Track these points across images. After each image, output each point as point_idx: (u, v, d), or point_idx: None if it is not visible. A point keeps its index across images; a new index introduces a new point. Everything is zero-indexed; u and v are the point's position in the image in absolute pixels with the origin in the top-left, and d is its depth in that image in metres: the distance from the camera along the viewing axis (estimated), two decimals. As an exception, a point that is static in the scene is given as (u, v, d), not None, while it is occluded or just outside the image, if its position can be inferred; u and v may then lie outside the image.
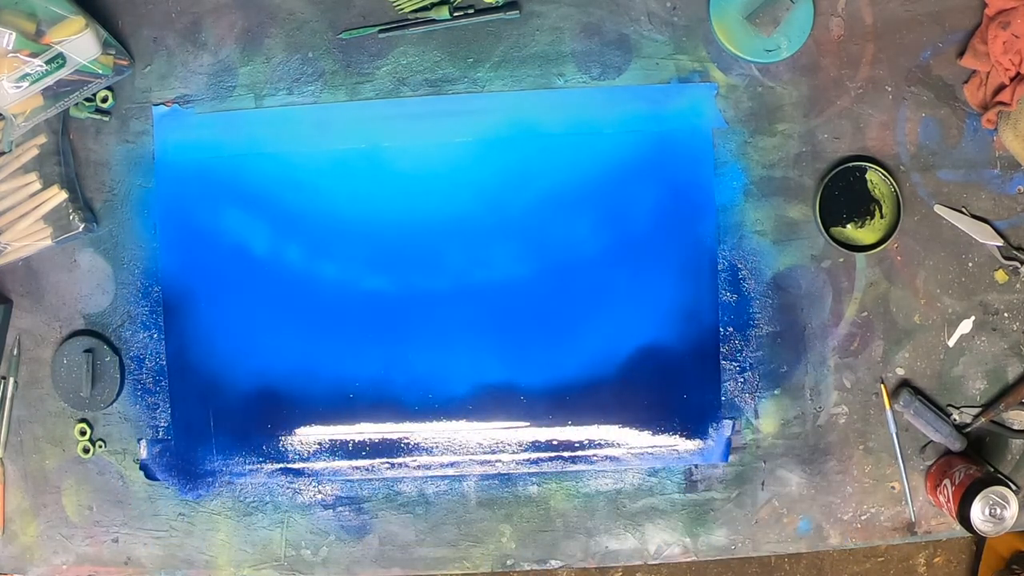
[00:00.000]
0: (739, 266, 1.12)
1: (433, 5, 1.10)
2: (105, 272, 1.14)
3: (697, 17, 1.11)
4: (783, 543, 1.14)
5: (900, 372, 1.12)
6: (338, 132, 1.12)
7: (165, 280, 1.14)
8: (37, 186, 1.10)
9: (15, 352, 1.15)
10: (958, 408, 1.12)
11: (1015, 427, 1.12)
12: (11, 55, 0.98)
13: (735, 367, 1.12)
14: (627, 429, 1.13)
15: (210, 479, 1.15)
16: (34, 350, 1.15)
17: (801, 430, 1.13)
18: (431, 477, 1.14)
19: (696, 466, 1.13)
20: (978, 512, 1.03)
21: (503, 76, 1.12)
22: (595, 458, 1.13)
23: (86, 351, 1.13)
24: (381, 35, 1.11)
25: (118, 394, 1.14)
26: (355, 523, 1.15)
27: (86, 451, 1.15)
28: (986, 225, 1.10)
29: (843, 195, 1.10)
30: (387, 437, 1.14)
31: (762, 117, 1.11)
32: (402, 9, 1.10)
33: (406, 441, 1.14)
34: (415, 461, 1.14)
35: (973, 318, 1.12)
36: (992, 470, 1.09)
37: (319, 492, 1.15)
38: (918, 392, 1.11)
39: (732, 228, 1.11)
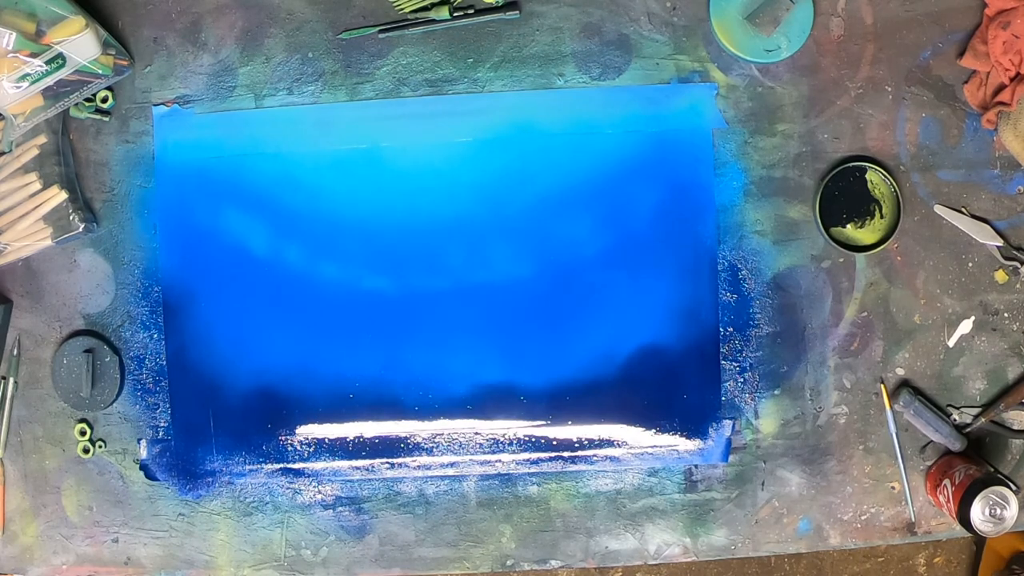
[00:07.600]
0: (739, 266, 1.12)
1: (433, 5, 1.10)
2: (105, 272, 1.14)
3: (697, 17, 1.11)
4: (783, 543, 1.14)
5: (900, 372, 1.12)
6: (338, 132, 1.12)
7: (165, 280, 1.14)
8: (37, 186, 1.10)
9: (15, 352, 1.15)
10: (958, 408, 1.12)
11: (1015, 427, 1.12)
12: (11, 55, 0.98)
13: (735, 367, 1.12)
14: (627, 429, 1.13)
15: (210, 479, 1.15)
16: (34, 350, 1.15)
17: (801, 430, 1.13)
18: (431, 477, 1.14)
19: (696, 466, 1.13)
20: (978, 512, 1.03)
21: (503, 76, 1.12)
22: (595, 458, 1.13)
23: (86, 351, 1.13)
24: (381, 35, 1.11)
25: (118, 394, 1.14)
26: (355, 523, 1.15)
27: (86, 451, 1.15)
28: (986, 225, 1.10)
29: (843, 195, 1.10)
30: (387, 437, 1.14)
31: (762, 117, 1.11)
32: (402, 9, 1.10)
33: (406, 441, 1.14)
34: (415, 461, 1.14)
35: (973, 318, 1.12)
36: (992, 470, 1.09)
37: (319, 492, 1.15)
38: (918, 392, 1.11)
39: (732, 228, 1.11)
